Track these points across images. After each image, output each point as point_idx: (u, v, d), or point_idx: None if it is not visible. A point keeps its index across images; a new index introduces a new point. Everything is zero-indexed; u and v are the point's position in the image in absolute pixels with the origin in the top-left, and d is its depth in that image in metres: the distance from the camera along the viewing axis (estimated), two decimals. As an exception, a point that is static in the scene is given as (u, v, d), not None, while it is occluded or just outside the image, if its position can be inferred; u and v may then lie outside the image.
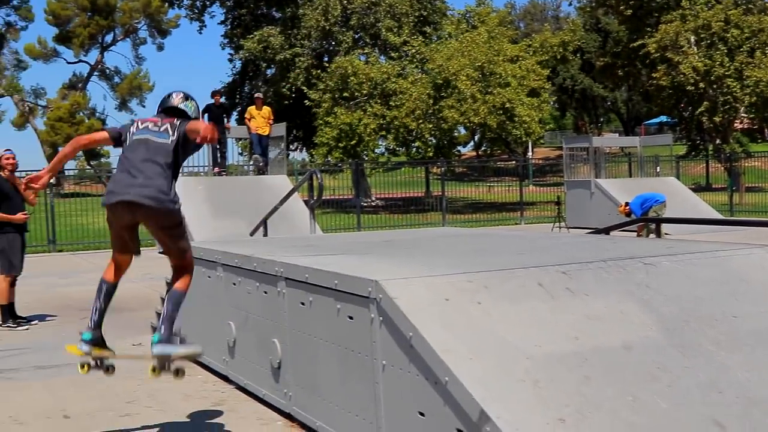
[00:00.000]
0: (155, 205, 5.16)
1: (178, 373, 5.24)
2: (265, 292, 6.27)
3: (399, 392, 4.65)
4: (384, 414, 4.81)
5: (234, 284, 6.87)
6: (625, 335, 4.63)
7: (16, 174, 10.37)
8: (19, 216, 10.05)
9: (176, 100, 5.55)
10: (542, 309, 4.77)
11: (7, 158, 10.15)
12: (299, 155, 53.30)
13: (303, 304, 5.68)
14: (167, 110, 5.57)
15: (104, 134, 5.65)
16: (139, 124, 5.47)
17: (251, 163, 21.58)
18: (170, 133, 5.33)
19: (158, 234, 5.47)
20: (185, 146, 5.40)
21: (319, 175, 11.31)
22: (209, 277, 7.42)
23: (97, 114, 67.36)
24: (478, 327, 4.52)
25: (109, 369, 5.59)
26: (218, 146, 19.98)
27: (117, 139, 5.49)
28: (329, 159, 34.77)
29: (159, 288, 13.03)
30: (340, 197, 33.23)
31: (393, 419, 4.74)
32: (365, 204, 32.17)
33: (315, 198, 11.87)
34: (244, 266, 6.61)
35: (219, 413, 6.40)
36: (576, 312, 4.80)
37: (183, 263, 5.58)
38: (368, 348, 4.90)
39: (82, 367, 5.63)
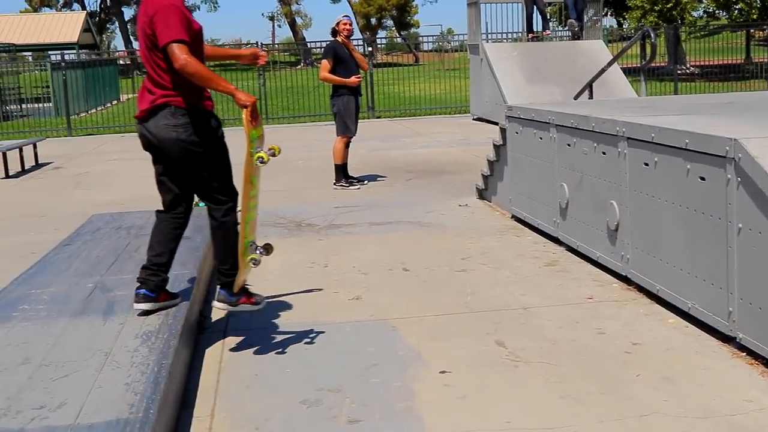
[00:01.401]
0: None
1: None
2: (604, 153, 6.11)
3: (756, 257, 4.40)
4: (737, 279, 4.58)
5: (568, 145, 6.75)
6: None
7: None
8: (353, 79, 10.42)
9: None
10: None
11: (344, 23, 10.52)
12: (606, 21, 51.35)
13: (646, 164, 5.48)
14: None
15: None
16: None
17: (565, 28, 21.03)
18: None
19: None
20: None
21: (652, 35, 10.78)
22: (541, 138, 7.35)
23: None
24: None
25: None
26: (534, 10, 19.57)
27: None
28: (642, 23, 33.21)
29: (477, 153, 13.24)
30: (654, 64, 31.76)
31: (747, 285, 4.51)
32: (680, 71, 30.49)
33: (647, 59, 11.36)
34: (581, 126, 6.46)
35: (553, 273, 6.41)
36: None
37: None
38: (722, 210, 4.66)
39: None
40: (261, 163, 4.60)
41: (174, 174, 4.73)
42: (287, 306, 5.77)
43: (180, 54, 4.33)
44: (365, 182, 11.02)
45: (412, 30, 72.37)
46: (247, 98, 4.53)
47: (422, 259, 6.99)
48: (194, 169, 4.64)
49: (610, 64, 12.09)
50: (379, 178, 11.46)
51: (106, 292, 5.12)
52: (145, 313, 4.69)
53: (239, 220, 4.78)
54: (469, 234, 7.82)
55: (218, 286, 4.89)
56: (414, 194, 10.19)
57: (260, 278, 6.58)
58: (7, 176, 13.57)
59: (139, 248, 6.29)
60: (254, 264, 4.75)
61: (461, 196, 9.75)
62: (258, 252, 4.75)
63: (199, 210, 7.74)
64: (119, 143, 18.32)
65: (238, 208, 4.79)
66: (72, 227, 7.87)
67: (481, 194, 9.54)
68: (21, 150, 14.47)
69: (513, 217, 8.35)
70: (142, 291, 4.74)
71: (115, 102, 30.93)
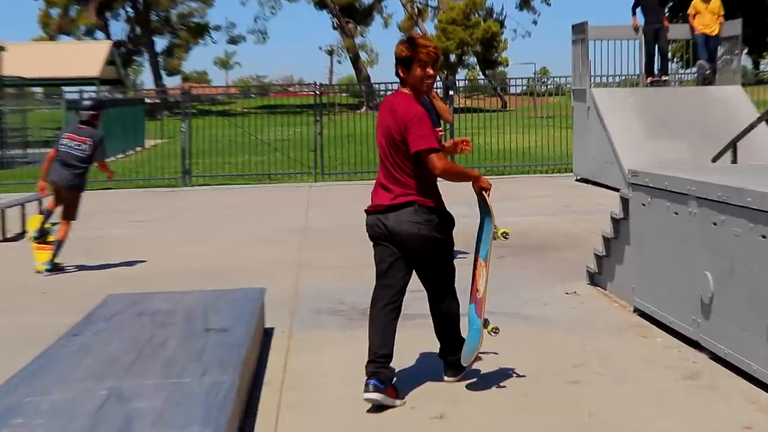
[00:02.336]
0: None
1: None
2: (764, 236, 5.82)
3: None
4: None
5: (714, 224, 6.46)
6: None
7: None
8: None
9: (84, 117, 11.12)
10: None
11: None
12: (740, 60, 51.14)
13: (824, 254, 5.14)
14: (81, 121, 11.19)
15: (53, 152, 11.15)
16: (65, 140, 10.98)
17: (695, 70, 20.79)
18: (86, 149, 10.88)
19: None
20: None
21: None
22: (676, 213, 7.06)
23: (495, 15, 69.00)
24: None
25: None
26: (656, 49, 19.33)
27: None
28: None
29: (584, 224, 12.94)
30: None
31: None
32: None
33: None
34: (732, 201, 6.18)
35: (695, 390, 6.09)
36: None
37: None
38: None
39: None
40: (505, 238, 6.16)
41: (409, 265, 6.02)
42: (351, 427, 5.49)
43: (437, 162, 5.76)
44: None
45: (499, 69, 72.72)
46: (488, 183, 6.17)
47: (523, 364, 6.70)
48: (432, 262, 6.03)
49: (761, 118, 11.68)
50: (463, 254, 11.20)
51: (122, 403, 4.87)
52: (378, 407, 5.71)
53: (480, 295, 6.17)
54: (581, 332, 7.54)
55: (444, 362, 6.36)
56: (509, 276, 9.88)
57: (317, 382, 6.37)
58: (5, 239, 13.62)
59: (165, 343, 6.10)
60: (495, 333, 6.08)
61: (568, 281, 9.48)
62: (493, 332, 6.05)
63: (240, 294, 7.57)
64: (142, 199, 18.37)
65: (479, 289, 6.22)
66: (82, 308, 7.74)
67: (594, 279, 9.27)
68: (23, 207, 14.53)
69: (636, 310, 8.06)
70: (373, 382, 5.76)
71: (139, 148, 31.38)
